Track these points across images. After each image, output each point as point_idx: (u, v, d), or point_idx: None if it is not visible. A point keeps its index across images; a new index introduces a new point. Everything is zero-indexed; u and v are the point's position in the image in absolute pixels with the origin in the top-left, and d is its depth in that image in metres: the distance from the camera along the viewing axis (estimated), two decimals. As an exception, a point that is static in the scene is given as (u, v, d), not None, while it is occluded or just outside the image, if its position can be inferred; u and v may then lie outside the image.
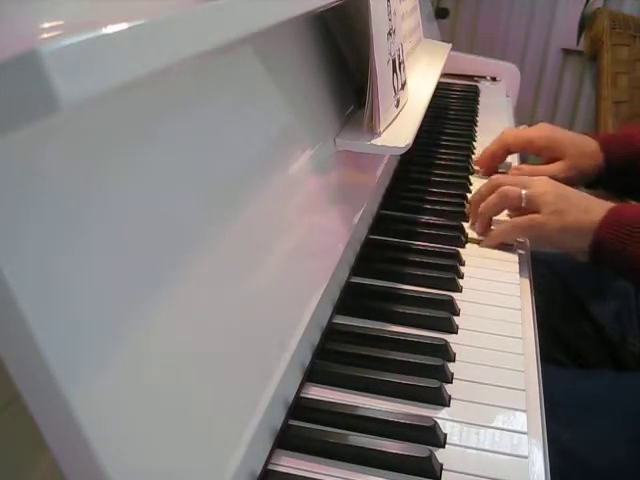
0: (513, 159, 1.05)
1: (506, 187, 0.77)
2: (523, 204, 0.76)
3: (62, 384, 0.26)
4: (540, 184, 0.77)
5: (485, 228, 0.79)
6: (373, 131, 0.64)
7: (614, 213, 0.71)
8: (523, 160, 1.08)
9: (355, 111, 0.70)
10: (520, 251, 0.77)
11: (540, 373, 0.56)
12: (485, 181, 0.83)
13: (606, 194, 0.97)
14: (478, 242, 0.78)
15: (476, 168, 1.01)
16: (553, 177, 0.90)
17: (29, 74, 0.21)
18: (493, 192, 0.79)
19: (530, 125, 1.03)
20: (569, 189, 0.77)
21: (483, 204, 0.79)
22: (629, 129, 1.01)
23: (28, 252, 0.26)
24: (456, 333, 0.60)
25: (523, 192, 0.75)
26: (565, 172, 0.93)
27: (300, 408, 0.48)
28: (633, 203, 0.76)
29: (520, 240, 0.79)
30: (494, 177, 0.82)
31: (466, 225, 0.81)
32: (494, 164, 1.00)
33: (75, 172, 0.29)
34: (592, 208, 0.73)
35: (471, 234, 0.80)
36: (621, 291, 0.92)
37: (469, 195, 0.90)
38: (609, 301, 0.91)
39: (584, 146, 0.95)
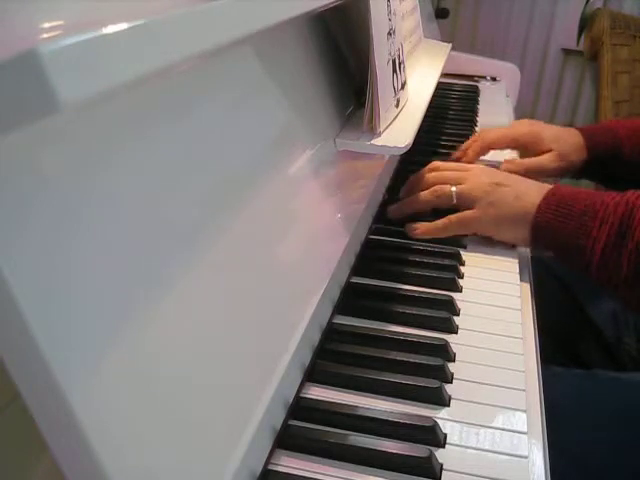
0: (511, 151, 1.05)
1: (437, 186, 0.76)
2: (454, 201, 0.75)
3: (62, 384, 0.26)
4: (471, 177, 0.76)
5: (404, 216, 0.78)
6: (373, 131, 0.64)
7: (550, 195, 0.70)
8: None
9: (355, 111, 0.70)
10: (520, 252, 0.77)
11: (540, 373, 0.56)
12: None
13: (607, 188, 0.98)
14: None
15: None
16: (542, 167, 0.93)
17: (29, 74, 0.21)
18: (426, 182, 0.78)
19: (531, 116, 1.04)
20: (502, 174, 0.77)
21: (413, 197, 0.78)
22: (612, 122, 1.02)
23: (28, 252, 0.26)
24: (456, 333, 0.60)
25: (453, 189, 0.75)
26: (553, 161, 0.94)
27: (300, 408, 0.48)
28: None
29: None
30: (428, 176, 0.79)
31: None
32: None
33: (75, 172, 0.29)
34: (524, 194, 0.72)
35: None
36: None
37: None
38: (606, 302, 0.92)
39: (567, 138, 0.96)
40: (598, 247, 0.66)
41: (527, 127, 0.98)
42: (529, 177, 0.78)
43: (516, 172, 0.88)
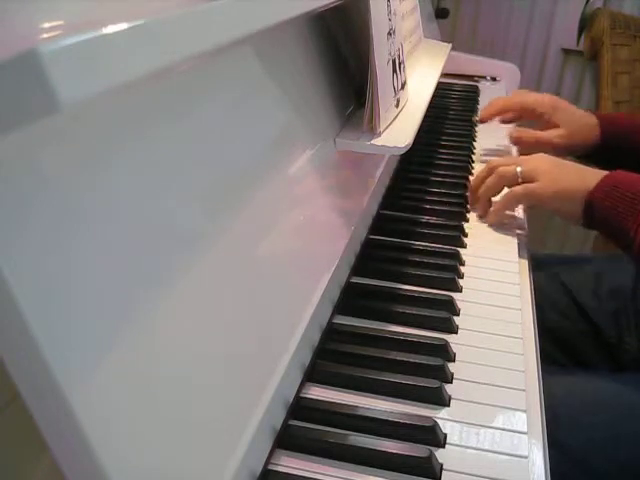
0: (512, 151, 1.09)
1: (501, 168, 0.81)
2: (520, 180, 0.80)
3: (62, 384, 0.26)
4: (533, 159, 0.81)
5: (486, 210, 0.84)
6: (373, 131, 0.64)
7: (609, 178, 0.74)
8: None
9: (355, 111, 0.70)
10: (520, 252, 0.77)
11: (540, 373, 0.56)
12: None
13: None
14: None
15: (477, 162, 1.05)
16: (549, 141, 0.99)
17: (29, 74, 0.21)
18: (490, 174, 0.83)
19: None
20: (563, 161, 0.81)
21: (482, 187, 0.83)
22: (627, 114, 1.05)
23: (28, 252, 0.26)
24: (456, 333, 0.60)
25: (518, 169, 0.80)
26: (560, 138, 0.99)
27: (300, 408, 0.48)
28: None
29: (520, 232, 0.81)
30: (490, 162, 0.85)
31: (466, 225, 0.81)
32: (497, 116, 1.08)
33: (75, 172, 0.29)
34: (587, 176, 0.76)
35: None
36: (618, 292, 0.92)
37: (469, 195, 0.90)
38: (607, 302, 0.91)
39: (582, 118, 1.00)
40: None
41: (547, 99, 1.04)
42: (537, 149, 0.86)
43: (527, 140, 0.99)
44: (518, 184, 0.80)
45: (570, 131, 0.99)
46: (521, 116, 1.09)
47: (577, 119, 1.00)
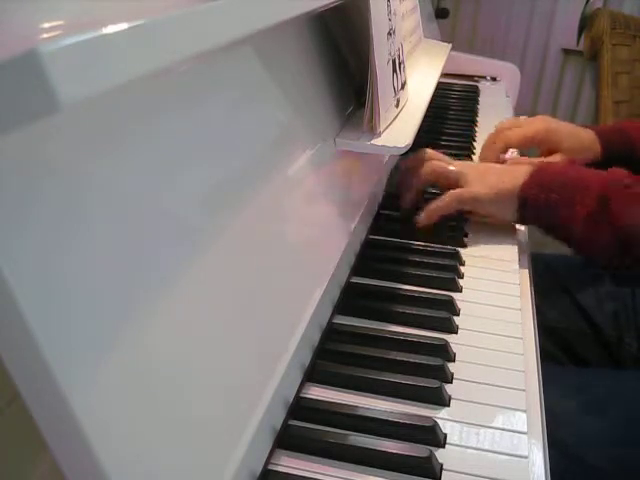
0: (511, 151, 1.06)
1: (437, 163, 0.80)
2: (452, 180, 0.78)
3: (62, 384, 0.26)
4: (465, 164, 0.81)
5: (412, 201, 0.81)
6: (373, 131, 0.64)
7: (537, 171, 0.75)
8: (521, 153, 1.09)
9: (355, 111, 0.70)
10: (520, 251, 0.77)
11: (540, 373, 0.56)
12: None
13: None
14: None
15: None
16: None
17: (29, 74, 0.21)
18: (421, 165, 0.81)
19: (530, 117, 1.03)
20: (488, 164, 0.82)
21: (414, 178, 0.81)
22: (623, 123, 1.02)
23: (28, 252, 0.26)
24: (456, 333, 0.60)
25: (452, 168, 0.79)
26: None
27: (300, 408, 0.48)
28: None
29: (520, 231, 0.80)
30: (424, 150, 0.83)
31: (466, 225, 0.81)
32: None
33: (75, 172, 0.29)
34: (515, 171, 0.76)
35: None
36: (618, 292, 0.92)
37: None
38: (606, 302, 0.92)
39: (580, 137, 0.97)
40: (579, 219, 0.70)
41: (542, 124, 0.99)
42: None
43: None
44: (451, 184, 0.78)
45: (571, 155, 0.94)
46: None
47: (576, 140, 0.96)
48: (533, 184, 0.73)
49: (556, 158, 0.94)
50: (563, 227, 0.72)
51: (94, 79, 0.24)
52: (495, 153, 0.98)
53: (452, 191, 0.77)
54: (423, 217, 0.78)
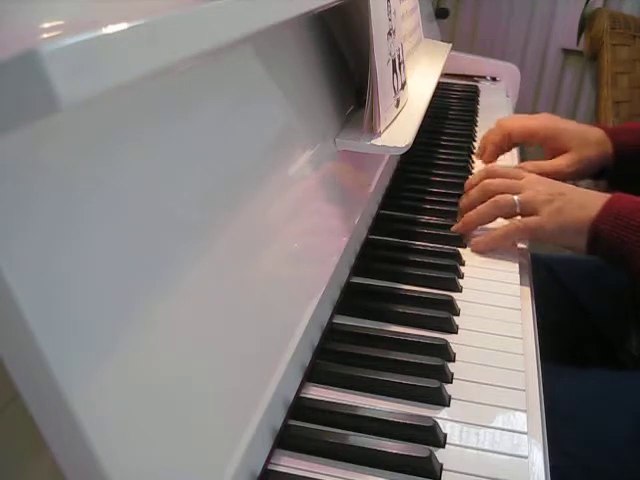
0: (512, 152, 1.04)
1: (498, 196, 0.75)
2: (518, 210, 0.74)
3: (62, 384, 0.26)
4: (531, 185, 0.75)
5: (470, 233, 0.78)
6: (373, 131, 0.63)
7: (610, 205, 0.70)
8: (523, 151, 1.07)
9: (355, 111, 0.70)
10: (520, 251, 0.77)
11: (540, 373, 0.56)
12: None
13: (608, 187, 0.96)
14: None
15: (477, 160, 1.00)
16: (560, 172, 0.89)
17: (29, 74, 0.21)
18: (484, 198, 0.77)
19: (531, 114, 1.01)
20: (561, 184, 0.76)
21: (474, 213, 0.77)
22: (632, 124, 0.99)
23: (28, 252, 0.26)
24: (456, 333, 0.60)
25: (516, 198, 0.74)
26: (571, 166, 0.91)
27: (300, 408, 0.48)
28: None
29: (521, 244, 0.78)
30: (485, 182, 0.78)
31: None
32: (498, 156, 0.98)
33: (75, 172, 0.29)
34: (588, 202, 0.71)
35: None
36: (618, 292, 0.92)
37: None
38: (607, 302, 0.91)
39: (589, 135, 0.92)
40: None
41: (547, 121, 0.95)
42: None
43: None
44: (515, 214, 0.74)
45: (578, 154, 0.91)
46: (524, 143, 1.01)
47: (583, 137, 0.92)
48: (606, 218, 0.69)
49: (564, 160, 0.91)
50: (633, 263, 0.68)
51: (94, 79, 0.24)
52: (492, 142, 0.96)
53: (516, 222, 0.73)
54: (482, 243, 0.75)
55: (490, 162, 0.98)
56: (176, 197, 0.37)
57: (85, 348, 0.28)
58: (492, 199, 0.75)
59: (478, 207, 0.77)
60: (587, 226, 0.70)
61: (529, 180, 0.76)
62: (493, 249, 0.75)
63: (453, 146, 1.10)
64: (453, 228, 0.79)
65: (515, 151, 1.07)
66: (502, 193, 0.75)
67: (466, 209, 0.79)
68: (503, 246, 0.75)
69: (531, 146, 1.03)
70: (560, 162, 0.92)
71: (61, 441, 0.27)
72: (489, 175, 0.79)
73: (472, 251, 0.75)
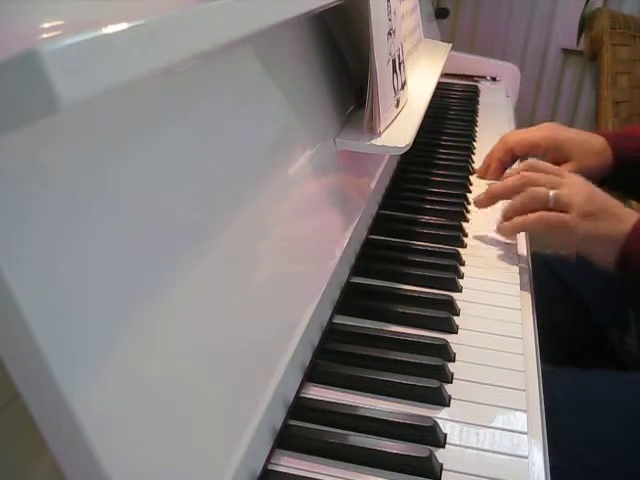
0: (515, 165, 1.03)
1: (533, 189, 0.74)
2: (551, 205, 0.72)
3: (62, 384, 0.26)
4: (569, 183, 0.74)
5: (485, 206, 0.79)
6: (373, 131, 0.63)
7: None
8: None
9: (355, 111, 0.70)
10: (520, 251, 0.77)
11: (540, 373, 0.56)
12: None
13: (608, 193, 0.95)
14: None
15: (479, 176, 0.99)
16: None
17: (29, 74, 0.21)
18: (519, 189, 0.75)
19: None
20: (596, 191, 0.74)
21: (508, 206, 0.76)
22: (633, 128, 0.99)
23: (28, 252, 0.26)
24: (456, 333, 0.60)
25: (551, 193, 0.72)
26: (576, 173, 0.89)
27: (300, 408, 0.48)
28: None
29: (516, 241, 0.78)
30: (524, 173, 0.77)
31: (466, 225, 0.81)
32: (502, 172, 0.97)
33: (75, 172, 0.29)
34: (622, 216, 0.70)
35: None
36: (619, 292, 0.92)
37: (469, 195, 0.90)
38: (608, 302, 0.91)
39: (591, 144, 0.92)
40: None
41: (548, 132, 0.95)
42: None
43: None
44: (544, 209, 0.72)
45: (580, 163, 0.90)
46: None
47: (586, 147, 0.91)
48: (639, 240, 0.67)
49: (567, 168, 0.89)
50: None
51: (94, 79, 0.24)
52: (496, 158, 0.96)
53: (548, 214, 0.72)
54: (506, 226, 0.74)
55: (496, 178, 0.96)
56: (176, 197, 0.37)
57: (85, 348, 0.28)
58: (527, 191, 0.74)
59: (514, 198, 0.76)
60: (618, 241, 0.68)
61: (567, 179, 0.75)
62: (518, 232, 0.76)
63: (453, 146, 1.10)
64: (475, 198, 0.80)
65: (517, 163, 1.07)
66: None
67: (496, 193, 0.78)
68: (532, 232, 0.75)
69: (534, 158, 1.03)
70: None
71: (61, 441, 0.27)
72: (531, 168, 0.78)
73: (496, 232, 0.77)
